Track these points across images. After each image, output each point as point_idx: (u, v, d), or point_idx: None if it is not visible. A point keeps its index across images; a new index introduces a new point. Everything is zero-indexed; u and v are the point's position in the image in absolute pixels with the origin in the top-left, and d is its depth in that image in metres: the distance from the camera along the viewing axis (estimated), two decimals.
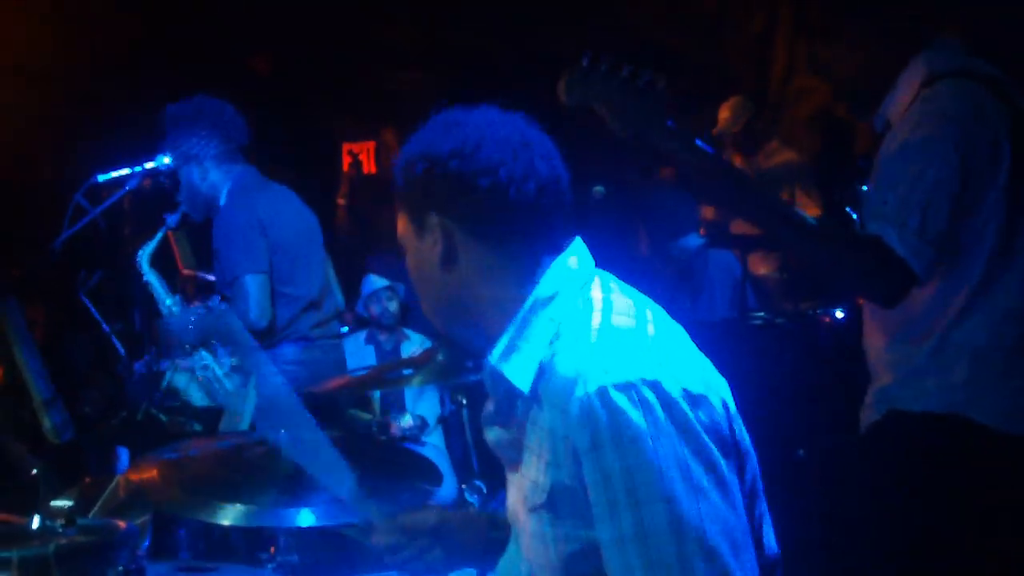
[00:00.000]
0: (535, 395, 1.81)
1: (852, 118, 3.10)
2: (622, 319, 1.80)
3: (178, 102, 4.51)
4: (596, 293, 1.85)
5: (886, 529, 2.83)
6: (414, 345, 6.01)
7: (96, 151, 6.12)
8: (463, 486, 3.04)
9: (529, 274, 1.86)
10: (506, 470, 1.98)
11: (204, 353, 4.58)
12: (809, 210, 5.90)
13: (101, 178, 4.62)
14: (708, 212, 5.77)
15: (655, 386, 1.68)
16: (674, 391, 1.69)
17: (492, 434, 1.95)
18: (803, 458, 4.08)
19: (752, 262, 5.89)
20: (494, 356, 1.84)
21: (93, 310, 5.05)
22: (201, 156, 4.45)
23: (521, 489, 1.88)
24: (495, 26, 7.83)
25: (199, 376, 4.60)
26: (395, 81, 8.24)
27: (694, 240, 5.25)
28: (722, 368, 1.89)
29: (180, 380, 4.67)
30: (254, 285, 4.31)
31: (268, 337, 4.43)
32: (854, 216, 2.84)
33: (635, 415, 1.65)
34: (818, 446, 4.12)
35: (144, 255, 4.64)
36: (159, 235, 4.63)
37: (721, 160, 2.83)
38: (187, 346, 4.46)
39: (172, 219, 4.60)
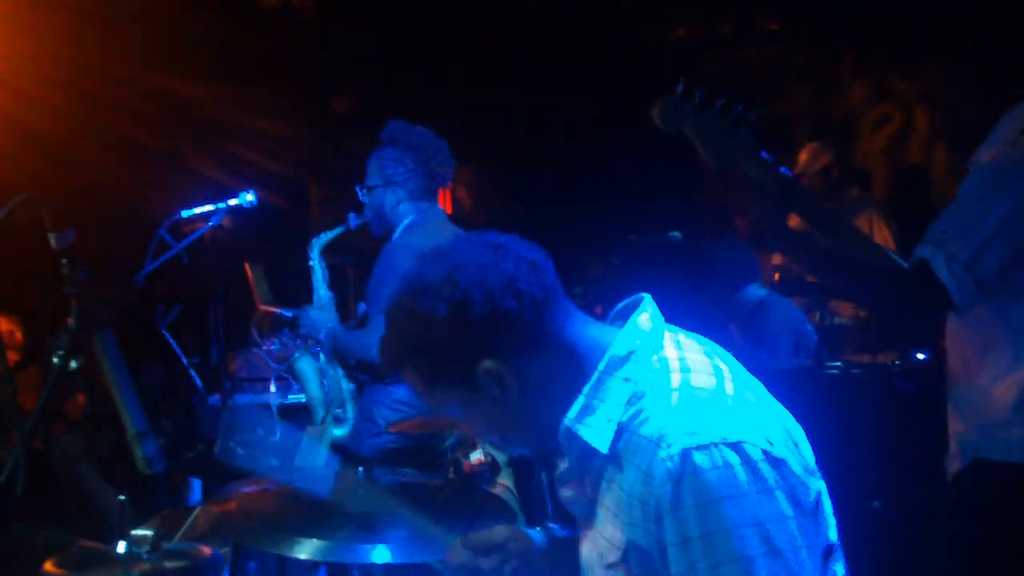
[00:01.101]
0: (614, 456, 1.81)
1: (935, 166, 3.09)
2: (701, 378, 1.80)
3: (402, 123, 4.56)
4: (671, 352, 1.85)
5: None
6: None
7: (179, 187, 6.27)
8: (537, 528, 3.03)
9: (586, 347, 1.84)
10: (580, 526, 1.98)
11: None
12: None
13: (185, 213, 4.72)
14: (776, 259, 5.75)
15: (737, 447, 1.68)
16: (755, 453, 1.68)
17: (567, 492, 1.95)
18: (880, 510, 4.01)
19: (834, 306, 5.85)
20: (569, 416, 1.83)
21: (173, 343, 5.15)
22: (400, 185, 4.48)
23: (596, 545, 1.88)
24: (581, 81, 7.87)
25: (322, 366, 4.69)
26: (470, 121, 8.32)
27: (755, 291, 5.25)
28: (797, 416, 1.88)
29: (305, 364, 4.76)
30: None
31: (382, 376, 4.46)
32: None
33: (716, 476, 1.65)
34: (896, 497, 4.05)
35: (318, 242, 4.71)
36: (339, 230, 4.69)
37: (804, 192, 2.84)
38: (311, 341, 4.55)
39: (354, 221, 4.63)
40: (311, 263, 4.73)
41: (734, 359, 1.92)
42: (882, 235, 6.40)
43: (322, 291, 4.69)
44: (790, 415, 1.87)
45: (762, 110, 2.61)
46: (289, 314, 5.18)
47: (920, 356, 4.47)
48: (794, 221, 2.88)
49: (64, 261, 1.77)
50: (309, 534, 2.56)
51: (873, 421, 4.33)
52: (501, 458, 5.81)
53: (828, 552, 1.81)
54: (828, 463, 1.92)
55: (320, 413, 4.75)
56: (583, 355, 1.84)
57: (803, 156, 6.81)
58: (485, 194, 7.61)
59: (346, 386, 4.69)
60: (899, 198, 7.09)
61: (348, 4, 8.06)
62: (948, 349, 2.92)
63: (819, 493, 1.80)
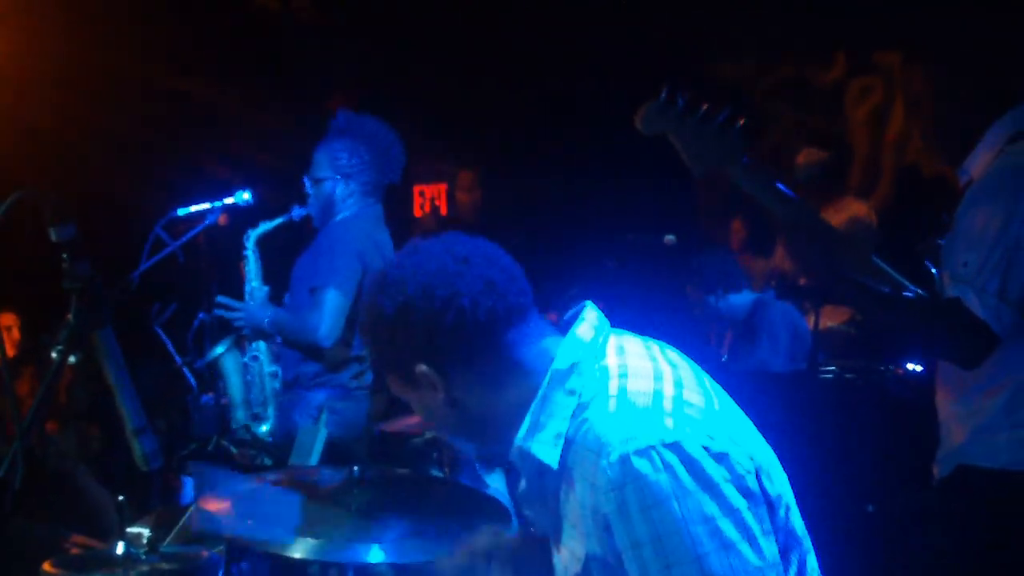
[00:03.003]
0: (565, 470, 1.82)
1: (937, 170, 3.09)
2: (639, 383, 1.81)
3: (354, 113, 4.56)
4: (612, 359, 1.87)
5: None
6: None
7: (174, 185, 6.26)
8: (532, 529, 3.04)
9: (530, 368, 1.87)
10: (551, 542, 1.99)
11: (261, 345, 4.61)
12: None
13: (181, 212, 4.71)
14: (781, 263, 5.76)
15: (675, 447, 1.69)
16: (694, 450, 1.70)
17: (529, 512, 2.00)
18: (874, 513, 4.02)
19: (822, 314, 5.86)
20: (519, 436, 1.85)
21: (167, 342, 5.14)
22: (353, 178, 4.47)
23: (563, 558, 1.89)
24: (583, 79, 7.87)
25: (246, 361, 4.63)
26: (470, 123, 8.31)
27: (745, 297, 5.28)
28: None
29: (229, 360, 4.71)
30: (335, 302, 4.26)
31: (323, 360, 4.42)
32: (933, 271, 2.82)
33: (658, 479, 1.67)
34: (889, 501, 4.05)
35: (254, 233, 4.66)
36: (279, 220, 4.64)
37: (801, 203, 2.84)
38: (248, 332, 4.49)
39: (298, 213, 4.60)
40: (245, 253, 4.68)
41: (684, 358, 1.93)
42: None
43: (255, 284, 4.65)
44: (741, 413, 1.89)
45: (746, 118, 2.61)
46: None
47: (911, 366, 4.48)
48: (781, 263, 2.89)
49: (64, 256, 1.77)
50: (303, 533, 2.56)
51: (867, 425, 4.33)
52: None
53: (787, 541, 1.81)
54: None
55: (239, 411, 4.70)
56: (531, 371, 1.87)
57: (800, 159, 6.83)
58: (484, 197, 7.61)
59: (270, 384, 4.65)
60: (896, 200, 7.10)
61: (346, 5, 8.06)
62: (939, 365, 2.92)
63: (768, 483, 1.79)
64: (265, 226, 4.68)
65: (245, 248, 4.68)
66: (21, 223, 1.83)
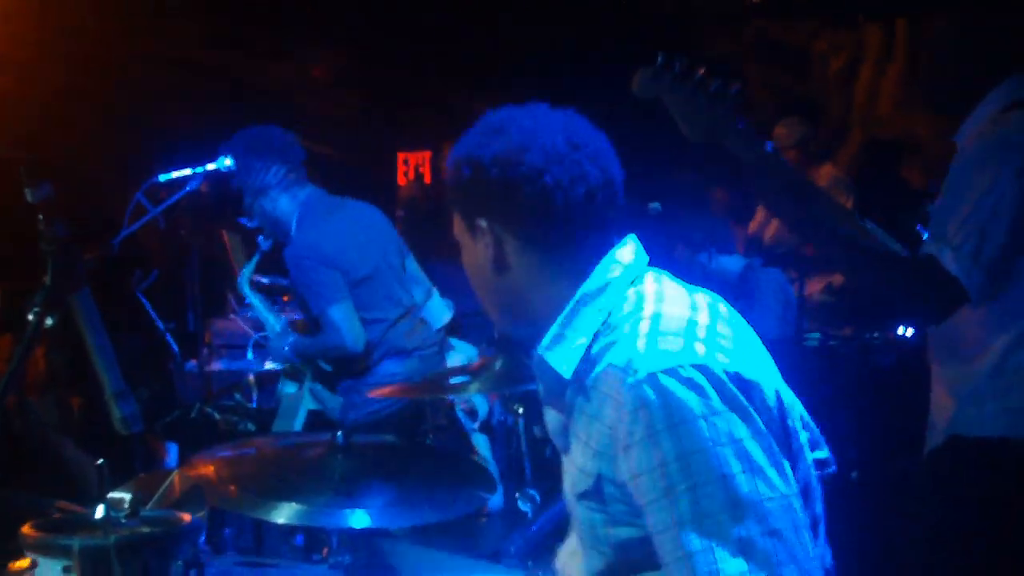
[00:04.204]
0: (580, 384, 1.82)
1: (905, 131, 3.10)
2: (674, 308, 1.80)
3: (228, 140, 4.55)
4: (649, 286, 1.86)
5: (944, 554, 2.80)
6: (459, 355, 6.02)
7: (158, 149, 6.20)
8: (516, 495, 3.04)
9: (581, 273, 1.86)
10: (562, 458, 1.98)
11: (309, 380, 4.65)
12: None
13: (162, 177, 4.66)
14: (771, 229, 5.76)
15: (704, 368, 1.68)
16: (723, 374, 1.69)
17: (549, 416, 1.97)
18: (857, 481, 4.04)
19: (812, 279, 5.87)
20: (542, 345, 1.86)
21: (149, 308, 5.10)
22: (266, 186, 4.47)
23: (570, 475, 1.89)
24: (566, 45, 7.83)
25: (308, 386, 4.66)
26: (453, 91, 8.27)
27: (736, 261, 5.25)
28: None
29: (290, 389, 4.73)
30: (339, 314, 4.33)
31: (366, 359, 4.47)
32: (925, 235, 2.83)
33: (687, 397, 1.65)
34: (872, 468, 4.07)
35: (244, 279, 4.68)
36: (256, 258, 4.66)
37: (785, 165, 2.84)
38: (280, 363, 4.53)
39: (266, 244, 4.62)
40: (247, 302, 4.71)
41: (727, 304, 1.92)
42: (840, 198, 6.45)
43: (271, 320, 4.68)
44: (772, 361, 1.87)
45: (741, 86, 2.60)
46: (267, 281, 5.14)
47: (902, 331, 4.49)
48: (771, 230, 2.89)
49: (40, 217, 1.74)
50: (286, 498, 2.54)
51: (851, 393, 4.35)
52: (482, 409, 5.87)
53: (805, 491, 1.80)
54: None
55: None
56: (580, 276, 1.86)
57: (779, 130, 6.87)
58: None
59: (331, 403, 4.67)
60: (868, 170, 7.13)
61: None
62: (931, 332, 2.93)
63: (793, 427, 1.80)
64: (248, 269, 4.69)
65: (246, 298, 4.72)
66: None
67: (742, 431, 1.65)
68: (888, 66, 6.88)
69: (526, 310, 1.91)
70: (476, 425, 5.97)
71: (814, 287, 5.67)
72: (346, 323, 4.31)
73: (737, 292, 5.30)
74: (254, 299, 4.68)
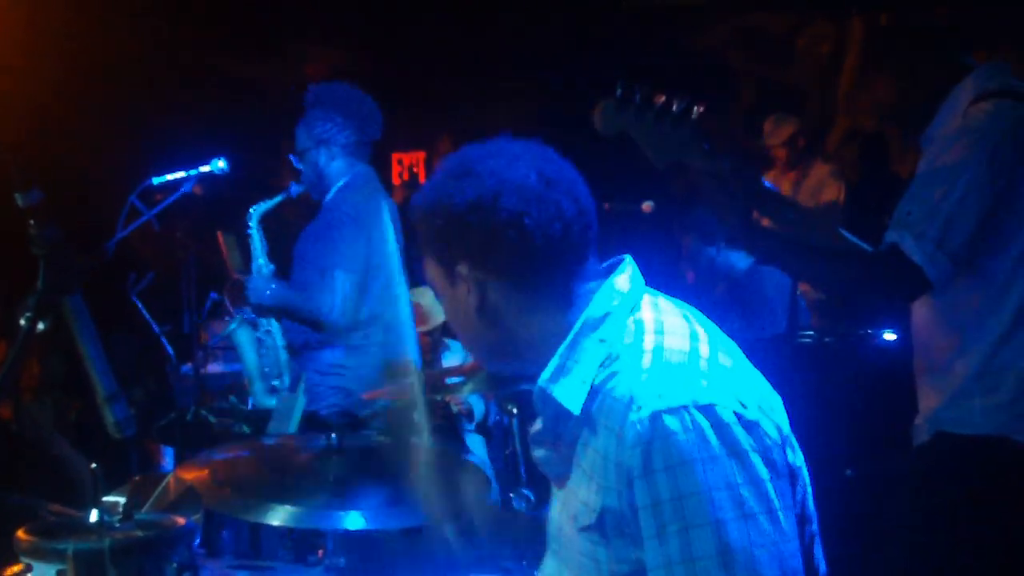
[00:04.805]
0: (587, 417, 1.80)
1: (893, 135, 3.11)
2: (675, 341, 1.79)
3: (323, 85, 4.57)
4: (647, 314, 1.84)
5: (932, 552, 2.80)
6: (454, 355, 6.03)
7: (152, 152, 6.19)
8: (511, 495, 3.04)
9: (568, 304, 1.85)
10: (553, 485, 1.98)
11: (272, 320, 4.64)
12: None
13: (156, 180, 4.67)
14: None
15: (708, 410, 1.67)
16: (726, 416, 1.68)
17: (540, 452, 1.95)
18: (852, 478, 4.04)
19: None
20: (543, 378, 1.83)
21: (144, 311, 5.11)
22: (332, 141, 4.49)
23: (569, 507, 1.87)
24: (557, 43, 7.83)
25: (260, 337, 4.66)
26: (448, 90, 8.27)
27: (744, 258, 5.21)
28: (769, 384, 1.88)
29: (243, 334, 4.73)
30: (346, 282, 4.31)
31: (340, 337, 4.45)
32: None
33: (687, 440, 1.65)
34: (867, 466, 4.08)
35: (257, 211, 4.67)
36: (279, 198, 4.66)
37: (753, 178, 2.83)
38: (252, 305, 4.51)
39: (295, 189, 4.63)
40: (249, 232, 4.68)
41: (714, 324, 1.91)
42: (831, 191, 6.46)
43: (261, 260, 4.65)
44: (766, 382, 1.86)
45: (704, 106, 2.58)
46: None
47: (887, 335, 4.50)
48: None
49: (31, 221, 1.74)
50: (282, 500, 2.55)
51: (845, 390, 4.35)
52: (478, 410, 5.88)
53: (802, 516, 1.82)
54: (800, 432, 1.92)
55: (256, 384, 4.74)
56: (569, 309, 1.85)
57: (767, 126, 6.86)
58: None
59: (283, 357, 4.69)
60: (859, 164, 7.13)
61: None
62: (915, 329, 2.94)
63: (792, 456, 1.79)
64: (266, 204, 4.68)
65: (249, 227, 4.68)
66: None
67: (738, 476, 1.65)
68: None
69: (514, 348, 1.90)
70: (472, 426, 5.99)
71: (805, 285, 5.67)
72: (344, 292, 4.29)
73: (742, 288, 5.28)
74: (257, 233, 4.66)
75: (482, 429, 5.96)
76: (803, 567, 1.73)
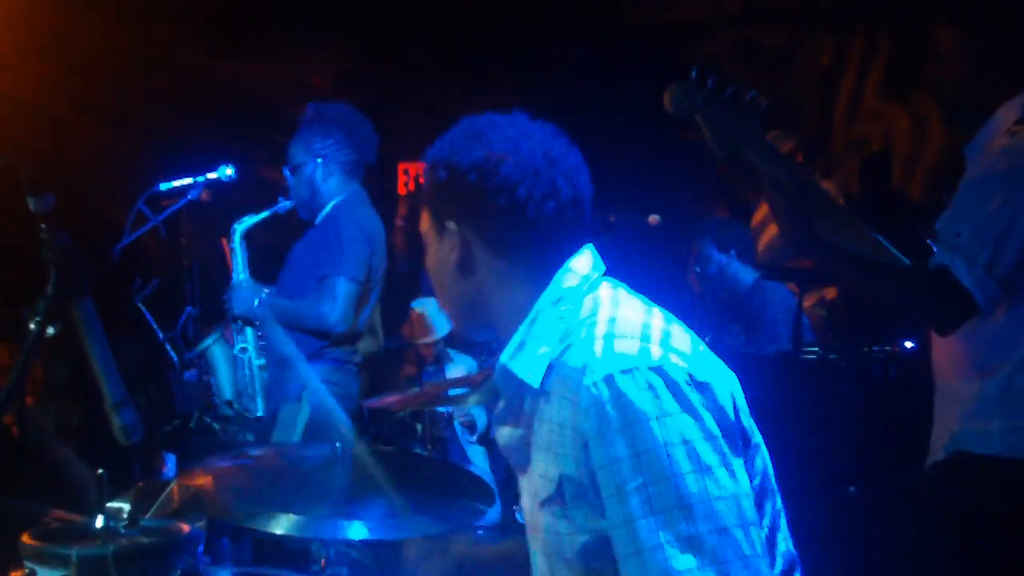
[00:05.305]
0: (545, 391, 1.84)
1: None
2: (629, 313, 1.84)
3: (323, 103, 4.63)
4: (605, 292, 1.90)
5: (944, 570, 2.79)
6: (457, 366, 6.04)
7: (159, 158, 6.21)
8: (514, 507, 3.04)
9: (542, 282, 1.90)
10: (518, 476, 2.01)
11: (249, 334, 4.61)
12: None
13: (163, 186, 4.68)
14: (766, 236, 5.74)
15: (660, 370, 1.72)
16: (678, 375, 1.72)
17: (502, 434, 1.99)
18: (855, 494, 4.03)
19: (815, 293, 5.85)
20: (505, 354, 1.89)
21: (149, 317, 5.11)
22: (330, 158, 4.51)
23: (532, 486, 1.91)
24: (564, 58, 7.85)
25: (236, 354, 4.63)
26: (455, 101, 8.27)
27: (750, 273, 5.21)
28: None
29: (217, 351, 4.71)
30: (347, 289, 4.33)
31: (341, 345, 4.45)
32: (935, 248, 2.83)
33: (641, 398, 1.69)
34: (870, 483, 4.06)
35: (241, 226, 4.65)
36: (265, 214, 4.66)
37: (804, 176, 2.84)
38: (238, 321, 4.49)
39: (284, 205, 4.64)
40: (232, 246, 4.67)
41: (677, 319, 1.93)
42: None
43: (243, 276, 4.63)
44: (721, 362, 1.89)
45: (769, 98, 2.62)
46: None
47: (908, 344, 4.47)
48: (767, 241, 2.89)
49: (43, 226, 1.75)
50: (285, 509, 2.55)
51: (849, 407, 4.34)
52: (481, 422, 5.88)
53: (762, 488, 1.85)
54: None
55: (225, 410, 4.68)
56: (542, 286, 1.90)
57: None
58: None
59: (259, 376, 4.63)
60: (862, 182, 7.13)
61: None
62: (935, 347, 2.92)
63: (747, 425, 1.84)
64: (252, 219, 4.67)
65: (232, 241, 4.67)
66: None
67: (693, 432, 1.69)
68: (869, 72, 6.90)
69: (486, 313, 1.95)
70: (474, 438, 5.99)
71: (808, 301, 5.65)
72: (347, 299, 4.30)
73: (745, 303, 5.26)
74: (239, 248, 4.63)
75: (484, 440, 5.97)
76: (760, 520, 1.77)
